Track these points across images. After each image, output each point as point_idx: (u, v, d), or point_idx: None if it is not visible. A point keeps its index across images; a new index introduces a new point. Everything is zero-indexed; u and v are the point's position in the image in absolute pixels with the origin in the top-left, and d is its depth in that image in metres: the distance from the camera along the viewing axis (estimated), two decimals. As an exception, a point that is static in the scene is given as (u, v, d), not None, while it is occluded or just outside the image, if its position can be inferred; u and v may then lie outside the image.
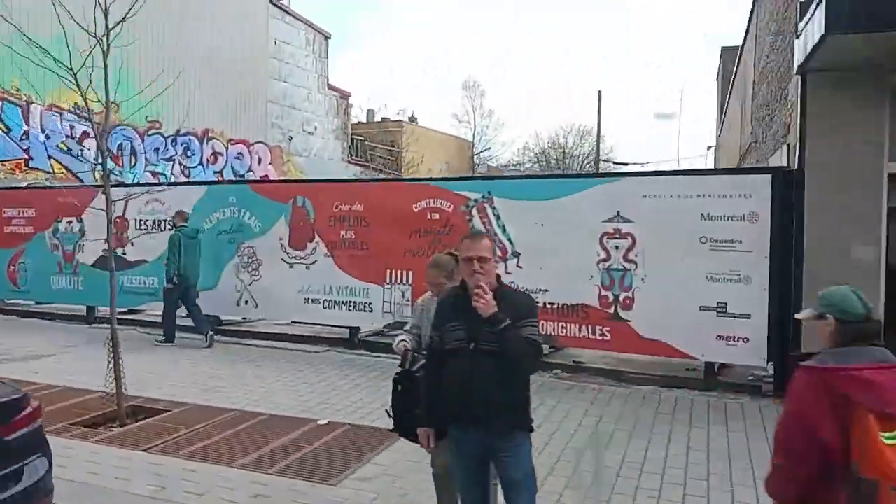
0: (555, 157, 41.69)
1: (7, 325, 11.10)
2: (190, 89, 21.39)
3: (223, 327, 10.33)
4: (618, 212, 7.70)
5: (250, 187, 10.08)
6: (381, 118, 37.42)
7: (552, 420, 6.21)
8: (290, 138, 26.77)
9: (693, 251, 7.31)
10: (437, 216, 8.67)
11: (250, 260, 9.92)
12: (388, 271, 8.97)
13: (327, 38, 28.70)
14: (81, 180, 18.55)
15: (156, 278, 10.54)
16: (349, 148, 30.72)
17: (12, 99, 17.14)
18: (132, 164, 20.38)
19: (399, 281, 8.88)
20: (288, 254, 9.67)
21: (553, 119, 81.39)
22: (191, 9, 21.74)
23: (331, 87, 29.13)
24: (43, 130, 17.86)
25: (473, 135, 39.85)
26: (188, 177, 22.12)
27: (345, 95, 30.21)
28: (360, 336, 9.51)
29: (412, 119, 37.30)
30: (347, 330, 9.52)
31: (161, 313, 9.93)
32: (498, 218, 8.31)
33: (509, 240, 8.23)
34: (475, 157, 39.90)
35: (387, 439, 5.30)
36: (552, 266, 7.98)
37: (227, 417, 6.17)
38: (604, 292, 7.75)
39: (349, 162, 30.53)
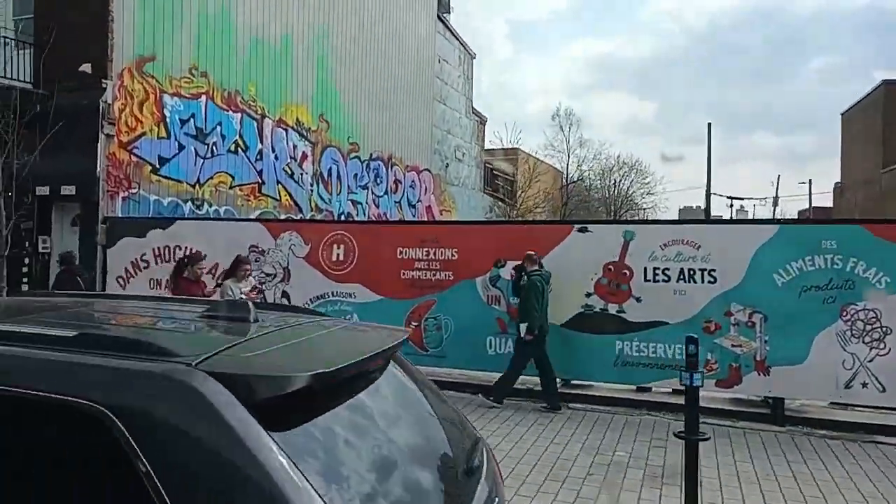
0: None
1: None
2: (369, 108, 18.80)
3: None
4: None
5: (864, 228, 7.57)
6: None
7: None
8: (447, 165, 24.17)
9: None
10: None
11: (867, 327, 7.37)
12: None
13: (473, 57, 26.38)
14: (300, 209, 15.63)
15: (679, 346, 7.88)
16: (484, 177, 28.24)
17: (250, 111, 14.20)
18: (338, 191, 17.46)
19: None
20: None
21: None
22: (367, 21, 19.14)
23: (473, 111, 26.73)
24: (273, 150, 14.90)
25: (567, 165, 37.81)
26: (378, 207, 19.32)
27: (483, 120, 27.83)
28: None
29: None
30: None
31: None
32: None
33: None
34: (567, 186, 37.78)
35: None
36: None
37: None
38: None
39: (483, 192, 28.04)
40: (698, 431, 4.77)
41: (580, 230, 8.44)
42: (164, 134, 12.24)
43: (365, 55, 18.66)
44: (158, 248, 10.63)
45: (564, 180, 37.92)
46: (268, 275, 10.09)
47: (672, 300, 8.02)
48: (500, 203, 29.55)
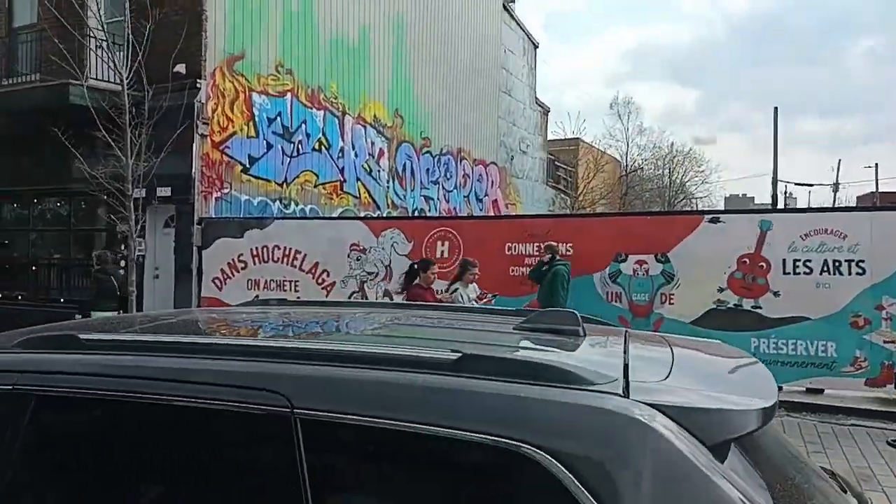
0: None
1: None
2: (440, 101, 18.45)
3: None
4: None
5: None
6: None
7: None
8: (512, 158, 23.72)
9: None
10: None
11: None
12: None
13: (536, 46, 25.83)
14: (378, 206, 15.42)
15: (825, 343, 7.36)
16: (546, 168, 27.68)
17: (332, 108, 14.02)
18: (412, 187, 17.22)
19: None
20: None
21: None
22: (436, 11, 18.72)
23: (537, 101, 26.18)
24: (353, 147, 14.71)
25: (626, 155, 36.84)
26: (448, 202, 19.03)
27: (546, 111, 27.26)
28: None
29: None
30: None
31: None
32: None
33: None
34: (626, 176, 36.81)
35: None
36: None
37: None
38: None
39: (546, 184, 27.49)
40: (919, 441, 4.31)
41: (711, 220, 7.97)
42: (252, 133, 12.15)
43: (435, 46, 18.35)
44: (256, 249, 10.53)
45: (625, 170, 36.99)
46: (369, 273, 9.88)
47: (814, 294, 7.49)
48: (562, 195, 28.95)
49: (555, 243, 8.36)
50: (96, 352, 1.76)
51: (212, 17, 11.10)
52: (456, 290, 7.37)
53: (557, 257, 8.29)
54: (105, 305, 9.13)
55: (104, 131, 9.83)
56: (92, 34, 10.86)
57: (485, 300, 7.50)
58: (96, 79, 10.97)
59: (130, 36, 10.31)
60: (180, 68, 10.75)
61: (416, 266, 7.56)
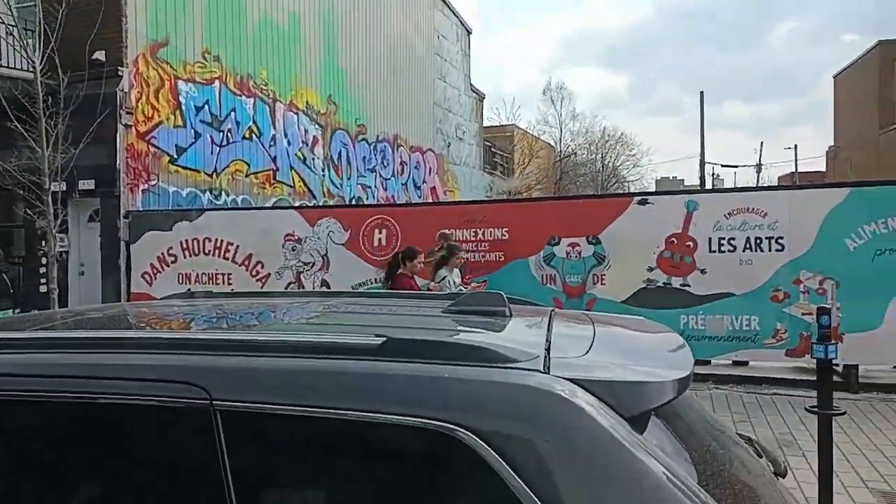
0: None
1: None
2: (374, 89, 18.35)
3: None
4: None
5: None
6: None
7: None
8: (449, 144, 23.77)
9: None
10: None
11: (945, 288, 7.23)
12: None
13: (470, 32, 25.87)
14: (314, 195, 15.24)
15: (749, 318, 7.73)
16: (483, 155, 27.86)
17: (262, 95, 13.71)
18: (349, 175, 17.04)
19: None
20: None
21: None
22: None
23: (472, 88, 26.27)
24: (286, 135, 14.44)
25: (560, 140, 37.46)
26: (386, 190, 18.95)
27: (481, 97, 27.39)
28: None
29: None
30: None
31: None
32: None
33: None
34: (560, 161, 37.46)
35: None
36: None
37: None
38: None
39: (483, 171, 27.68)
40: (832, 406, 4.56)
41: (640, 202, 8.19)
42: (179, 122, 11.75)
43: (367, 33, 18.14)
44: (186, 242, 10.23)
45: (559, 155, 37.62)
46: (305, 263, 9.74)
47: (738, 270, 7.82)
48: (498, 181, 29.23)
49: (447, 231, 8.39)
50: (1, 351, 1.66)
51: (132, 1, 10.63)
52: (444, 277, 7.15)
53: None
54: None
55: (17, 122, 9.31)
56: (1, 20, 10.24)
57: (475, 286, 7.36)
58: (7, 66, 10.36)
59: (42, 21, 9.76)
60: (99, 55, 10.27)
61: (400, 256, 7.33)
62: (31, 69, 9.70)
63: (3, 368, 1.59)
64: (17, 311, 8.79)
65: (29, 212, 10.17)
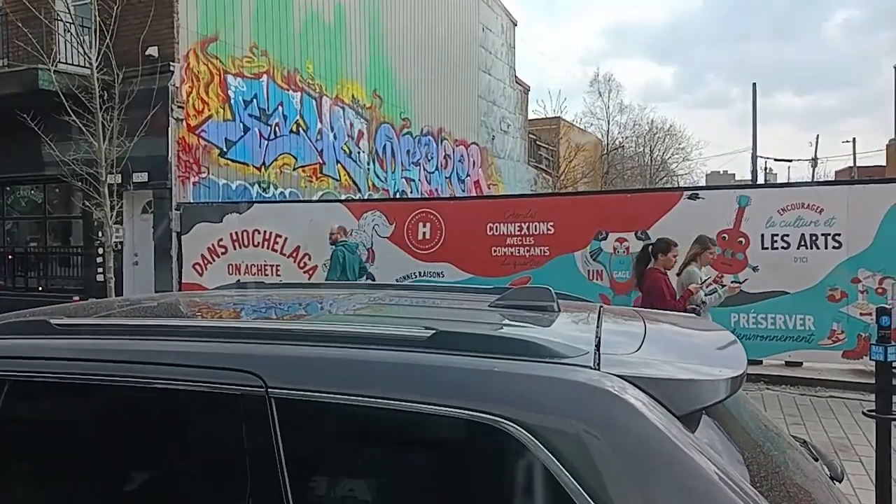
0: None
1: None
2: (419, 82, 18.33)
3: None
4: None
5: None
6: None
7: None
8: (493, 138, 23.66)
9: None
10: None
11: None
12: None
13: (515, 24, 25.67)
14: (359, 188, 15.35)
15: (803, 317, 7.49)
16: (528, 148, 27.65)
17: (308, 90, 13.87)
18: (393, 168, 17.13)
19: None
20: None
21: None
22: None
23: (517, 80, 26.08)
24: (332, 129, 14.59)
25: (608, 133, 36.91)
26: (430, 183, 18.98)
27: (526, 89, 27.17)
28: None
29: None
30: None
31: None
32: None
33: None
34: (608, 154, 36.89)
35: None
36: None
37: None
38: None
39: (528, 164, 27.48)
40: (891, 410, 4.40)
41: (691, 197, 8.02)
42: (229, 116, 11.99)
43: (412, 26, 18.18)
44: (236, 233, 10.45)
45: (606, 148, 37.06)
46: (351, 256, 9.83)
47: (792, 268, 7.59)
48: (544, 175, 28.96)
49: (344, 227, 9.10)
50: (68, 336, 1.74)
51: (182, -2, 10.90)
52: (689, 271, 6.17)
53: (342, 238, 8.92)
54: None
55: (74, 116, 9.65)
56: (59, 17, 10.62)
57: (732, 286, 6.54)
58: (65, 63, 10.74)
59: (98, 19, 10.08)
60: (152, 51, 10.55)
61: (650, 248, 6.28)
62: (87, 65, 10.04)
63: (71, 353, 1.66)
64: (77, 298, 9.12)
65: (87, 203, 10.54)
